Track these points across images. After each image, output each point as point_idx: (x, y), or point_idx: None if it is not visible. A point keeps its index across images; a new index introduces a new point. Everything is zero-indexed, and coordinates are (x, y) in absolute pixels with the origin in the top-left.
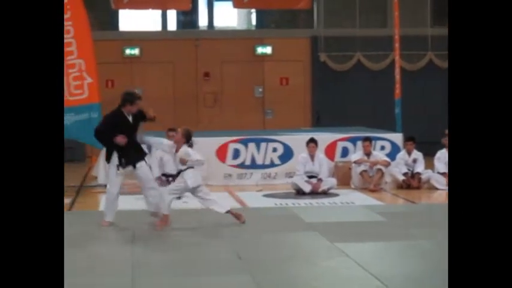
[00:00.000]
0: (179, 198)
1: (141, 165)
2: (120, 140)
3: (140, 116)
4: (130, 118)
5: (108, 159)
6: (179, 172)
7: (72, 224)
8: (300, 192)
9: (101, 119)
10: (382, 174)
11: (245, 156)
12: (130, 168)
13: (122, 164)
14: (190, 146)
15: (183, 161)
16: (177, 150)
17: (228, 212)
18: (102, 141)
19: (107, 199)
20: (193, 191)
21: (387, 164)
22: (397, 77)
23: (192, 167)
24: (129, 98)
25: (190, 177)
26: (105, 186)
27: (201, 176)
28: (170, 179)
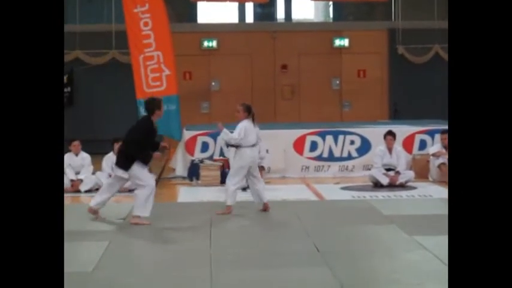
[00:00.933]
0: (244, 189)
1: None
2: (158, 157)
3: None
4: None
5: (145, 161)
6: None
7: (151, 215)
8: (377, 185)
9: (136, 129)
10: None
11: (322, 148)
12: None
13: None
14: (253, 119)
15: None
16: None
17: (264, 203)
18: (138, 153)
19: (146, 195)
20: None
21: None
22: None
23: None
24: (157, 104)
25: (241, 156)
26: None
27: (256, 157)
28: None
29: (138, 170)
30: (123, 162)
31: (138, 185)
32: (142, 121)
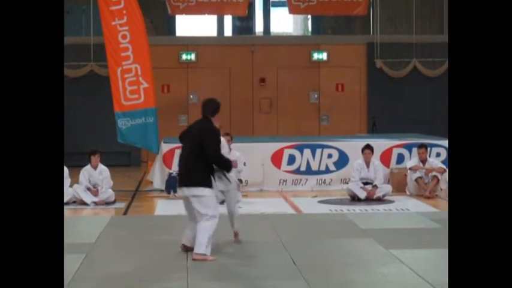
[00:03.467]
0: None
1: None
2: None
3: None
4: None
5: (209, 182)
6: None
7: (126, 228)
8: (355, 199)
9: (211, 138)
10: (438, 181)
11: (300, 162)
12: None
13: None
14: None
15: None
16: None
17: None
18: (226, 166)
19: (213, 229)
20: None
21: (443, 171)
22: None
23: None
24: (218, 105)
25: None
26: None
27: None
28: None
29: (211, 194)
30: (202, 178)
31: (202, 214)
32: (207, 125)
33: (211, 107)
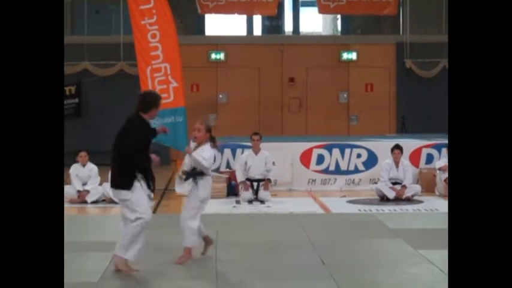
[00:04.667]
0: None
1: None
2: (156, 159)
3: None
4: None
5: (127, 184)
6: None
7: (155, 227)
8: (383, 199)
9: (128, 131)
10: None
11: (329, 161)
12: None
13: (150, 188)
14: (213, 142)
15: (187, 150)
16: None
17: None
18: (138, 162)
19: (137, 231)
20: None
21: None
22: None
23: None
24: (155, 100)
25: (205, 186)
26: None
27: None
28: (255, 183)
29: (139, 193)
30: (123, 180)
31: (127, 216)
32: (133, 119)
33: (142, 102)
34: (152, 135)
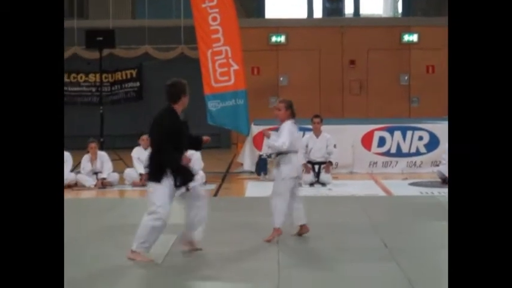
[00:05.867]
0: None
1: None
2: (187, 160)
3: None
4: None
5: (157, 177)
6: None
7: (217, 209)
8: (445, 181)
9: (159, 127)
10: None
11: (391, 144)
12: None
13: (176, 185)
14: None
15: (266, 134)
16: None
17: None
18: (172, 166)
19: (155, 227)
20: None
21: None
22: None
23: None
24: (182, 88)
25: (286, 165)
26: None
27: (300, 168)
28: (316, 166)
29: (159, 190)
30: (154, 172)
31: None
32: (164, 112)
33: (170, 93)
34: (184, 126)
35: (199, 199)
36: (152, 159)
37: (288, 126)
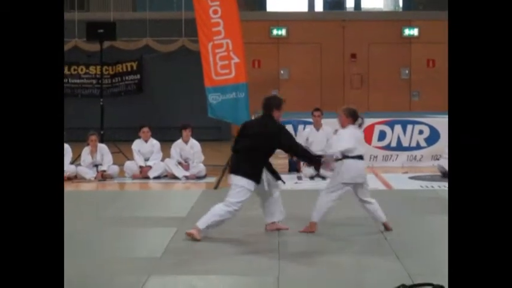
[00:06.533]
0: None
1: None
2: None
3: None
4: None
5: (258, 176)
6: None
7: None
8: (446, 175)
9: (287, 132)
10: None
11: (391, 138)
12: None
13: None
14: (360, 125)
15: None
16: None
17: (383, 223)
18: (312, 157)
19: (221, 213)
20: (353, 187)
21: None
22: None
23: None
24: (278, 102)
25: (348, 170)
26: None
27: (364, 172)
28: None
29: (244, 184)
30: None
31: (227, 198)
32: (271, 121)
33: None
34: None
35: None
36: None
37: (347, 131)
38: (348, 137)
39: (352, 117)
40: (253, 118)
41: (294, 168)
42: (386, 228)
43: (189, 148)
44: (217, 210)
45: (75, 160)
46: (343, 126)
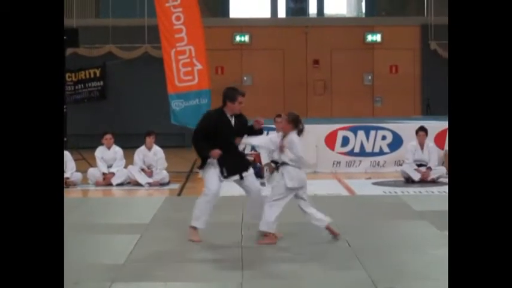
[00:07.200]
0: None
1: (247, 174)
2: (216, 155)
3: (244, 122)
4: (232, 120)
5: (201, 164)
6: (277, 165)
7: (181, 209)
8: (409, 181)
9: (199, 122)
10: None
11: (354, 143)
12: (235, 177)
13: (223, 174)
14: (300, 132)
15: (281, 149)
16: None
17: (326, 228)
18: (200, 152)
19: (203, 202)
20: (296, 193)
21: None
22: None
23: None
24: (230, 94)
25: (291, 177)
26: None
27: (304, 177)
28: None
29: (209, 172)
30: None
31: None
32: (209, 112)
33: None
34: (228, 127)
35: (252, 192)
36: None
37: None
38: (301, 146)
39: (294, 123)
40: None
41: (258, 174)
42: (333, 233)
43: (152, 155)
44: None
45: None
46: (284, 130)
